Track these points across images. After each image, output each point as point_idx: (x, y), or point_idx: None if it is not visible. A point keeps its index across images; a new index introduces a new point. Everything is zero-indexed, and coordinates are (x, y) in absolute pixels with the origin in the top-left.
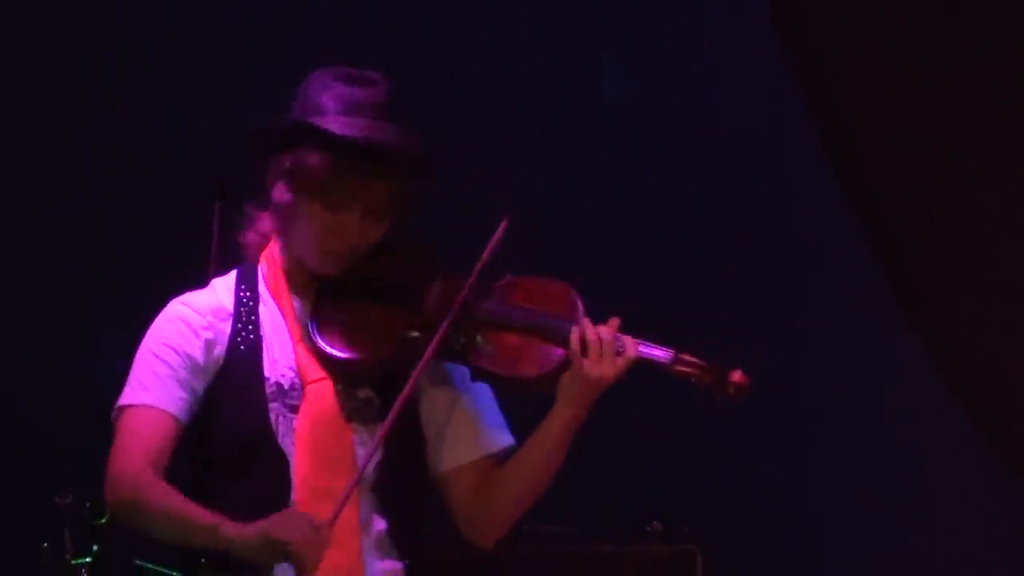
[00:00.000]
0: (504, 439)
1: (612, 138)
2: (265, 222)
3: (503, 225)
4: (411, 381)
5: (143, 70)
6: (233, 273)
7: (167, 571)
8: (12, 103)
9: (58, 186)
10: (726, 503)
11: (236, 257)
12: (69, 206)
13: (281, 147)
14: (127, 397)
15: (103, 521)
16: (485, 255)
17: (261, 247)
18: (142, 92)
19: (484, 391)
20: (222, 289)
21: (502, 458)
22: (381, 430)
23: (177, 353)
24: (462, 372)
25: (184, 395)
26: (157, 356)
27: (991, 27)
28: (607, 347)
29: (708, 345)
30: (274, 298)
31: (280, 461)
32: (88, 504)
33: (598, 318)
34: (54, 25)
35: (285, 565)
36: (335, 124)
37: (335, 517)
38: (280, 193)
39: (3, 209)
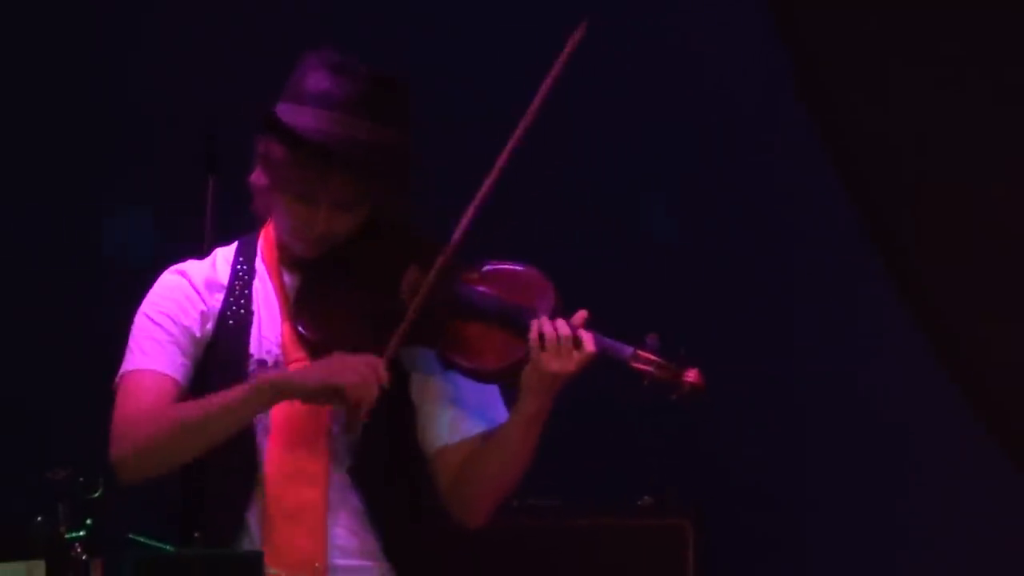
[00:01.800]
0: (494, 417)
1: (605, 131)
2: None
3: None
4: (384, 362)
5: (139, 44)
6: (234, 245)
7: (159, 544)
8: (11, 82)
9: (53, 164)
10: (718, 479)
11: (236, 229)
12: (64, 181)
13: (260, 129)
14: (129, 364)
15: (96, 495)
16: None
17: (265, 219)
18: (138, 66)
19: (458, 376)
20: (221, 260)
21: (480, 441)
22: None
23: (175, 322)
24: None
25: (184, 360)
26: (156, 323)
27: (983, 25)
28: (564, 342)
29: (700, 330)
30: (269, 273)
31: (250, 441)
32: (81, 479)
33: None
34: (52, 7)
35: (254, 529)
36: (301, 116)
37: (390, 357)
38: (257, 176)
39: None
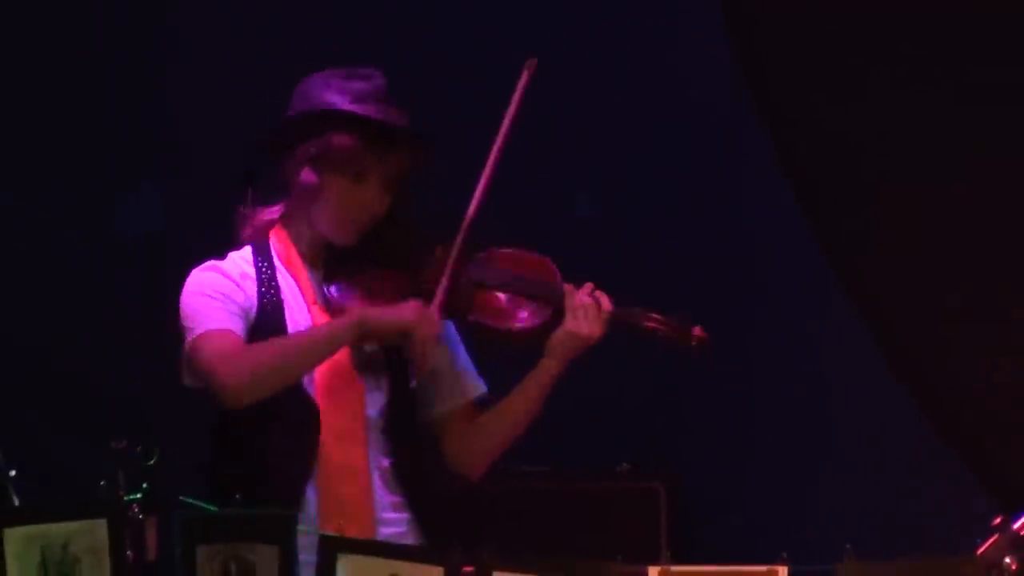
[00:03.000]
0: (480, 387)
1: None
2: (265, 213)
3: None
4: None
5: (177, 71)
6: (247, 248)
7: (206, 505)
8: (54, 98)
9: (112, 179)
10: (688, 448)
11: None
12: (125, 192)
13: (307, 136)
14: (198, 328)
15: (152, 462)
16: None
17: (258, 234)
18: (178, 93)
19: (459, 346)
20: (240, 259)
21: (478, 403)
22: (386, 379)
23: (231, 299)
24: (446, 329)
25: (243, 324)
26: (212, 297)
27: (945, 25)
28: (593, 308)
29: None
30: (288, 268)
31: (309, 407)
32: (139, 448)
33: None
34: (94, 22)
35: (311, 492)
36: (362, 109)
37: (441, 302)
38: (307, 176)
39: (72, 187)
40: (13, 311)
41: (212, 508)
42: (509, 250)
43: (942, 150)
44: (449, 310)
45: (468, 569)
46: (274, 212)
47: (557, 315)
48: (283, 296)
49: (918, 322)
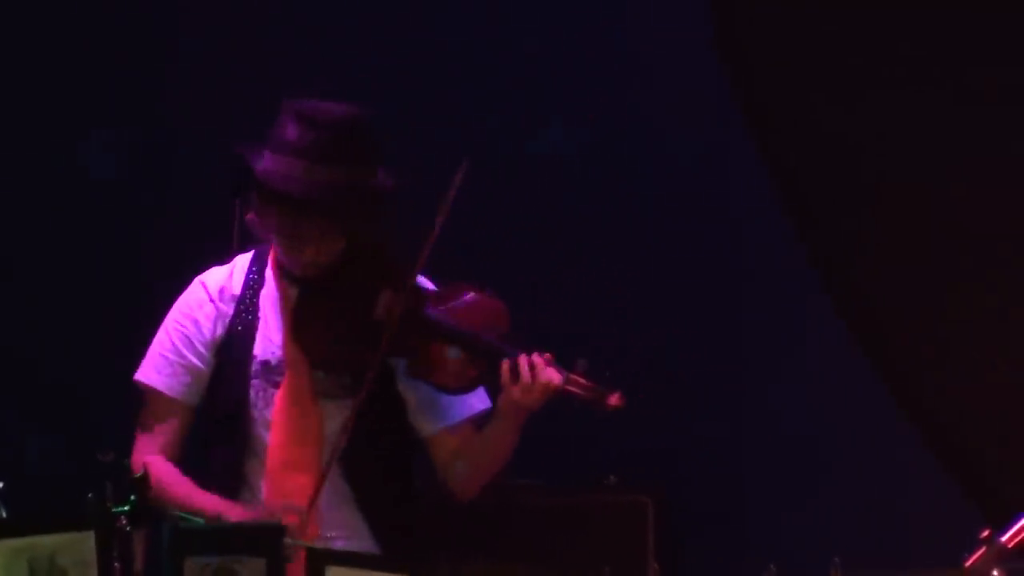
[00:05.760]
0: (474, 405)
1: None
2: None
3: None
4: (368, 375)
5: (170, 81)
6: (251, 253)
7: (190, 517)
8: (43, 105)
9: (108, 188)
10: (675, 463)
11: (257, 240)
12: (118, 202)
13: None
14: (144, 373)
15: (139, 475)
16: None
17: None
18: (170, 104)
19: None
20: (239, 269)
21: (478, 422)
22: (352, 406)
23: (191, 340)
24: None
25: (190, 380)
26: (173, 342)
27: (944, 26)
28: (535, 382)
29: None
30: (276, 284)
31: (255, 433)
32: (126, 461)
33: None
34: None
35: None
36: (271, 163)
37: (313, 500)
38: (251, 218)
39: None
40: (1, 319)
41: (198, 521)
42: (464, 293)
43: (935, 151)
44: (396, 351)
45: None
46: None
47: (491, 372)
48: (261, 314)
49: (908, 333)
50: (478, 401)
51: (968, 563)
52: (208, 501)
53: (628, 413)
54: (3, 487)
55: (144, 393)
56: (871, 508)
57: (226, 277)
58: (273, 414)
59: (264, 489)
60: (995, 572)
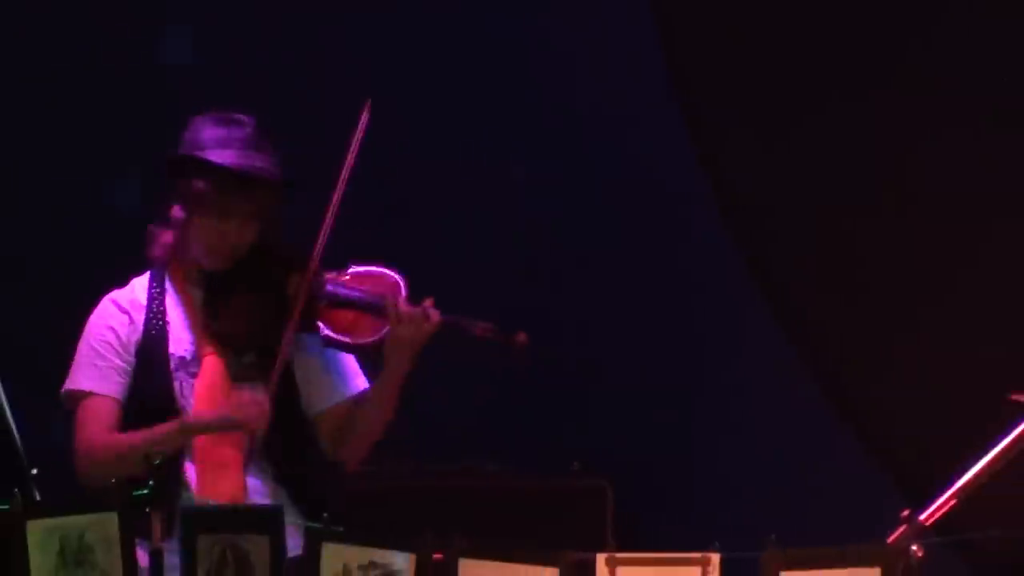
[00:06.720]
0: (358, 385)
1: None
2: (167, 236)
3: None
4: (282, 350)
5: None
6: (147, 274)
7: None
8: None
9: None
10: (632, 451)
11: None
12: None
13: (177, 176)
14: (76, 383)
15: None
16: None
17: (165, 255)
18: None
19: (329, 350)
20: (139, 287)
21: (359, 399)
22: (268, 388)
23: (112, 347)
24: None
25: (120, 379)
26: (96, 350)
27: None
28: (415, 315)
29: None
30: (177, 291)
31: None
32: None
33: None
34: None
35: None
36: (213, 156)
37: (287, 344)
38: (177, 212)
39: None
40: (31, 311)
41: (213, 503)
42: (362, 268)
43: (867, 175)
44: (304, 326)
45: (438, 556)
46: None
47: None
48: (168, 319)
49: (840, 345)
50: (361, 381)
51: (891, 539)
52: (164, 426)
53: (588, 405)
54: (36, 473)
55: (76, 401)
56: (807, 492)
57: (130, 292)
58: (195, 401)
59: (195, 466)
60: (914, 547)
